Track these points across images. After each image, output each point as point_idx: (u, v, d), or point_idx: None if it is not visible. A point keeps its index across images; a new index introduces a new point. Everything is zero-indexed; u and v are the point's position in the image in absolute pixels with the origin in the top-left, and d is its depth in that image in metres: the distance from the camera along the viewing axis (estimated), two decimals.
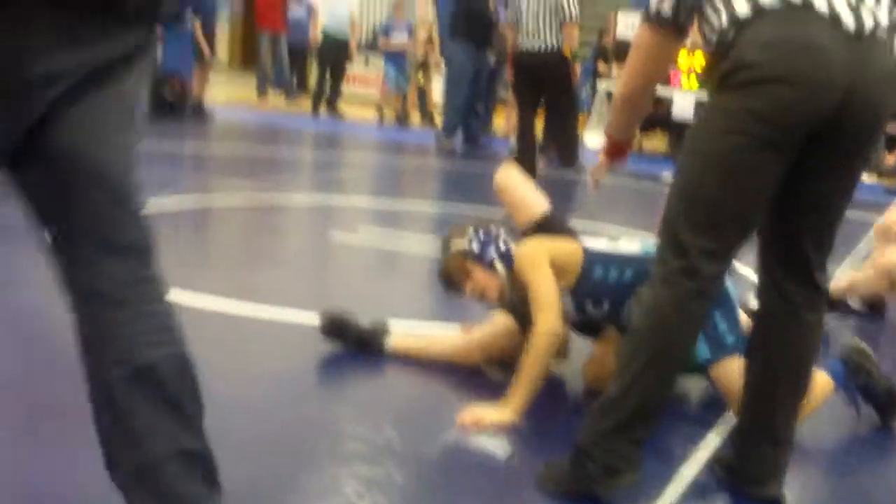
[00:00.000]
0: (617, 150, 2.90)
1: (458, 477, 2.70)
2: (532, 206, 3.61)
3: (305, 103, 15.14)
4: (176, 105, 12.01)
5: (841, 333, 4.03)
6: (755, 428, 2.57)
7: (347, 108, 14.65)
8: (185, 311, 3.89)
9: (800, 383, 2.56)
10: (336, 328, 3.64)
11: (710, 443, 3.00)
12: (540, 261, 3.16)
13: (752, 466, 2.58)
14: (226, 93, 15.84)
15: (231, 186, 7.45)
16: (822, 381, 3.14)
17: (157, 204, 6.30)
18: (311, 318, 3.79)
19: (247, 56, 21.03)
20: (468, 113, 11.22)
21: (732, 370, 3.05)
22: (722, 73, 2.26)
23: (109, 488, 1.83)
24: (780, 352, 2.51)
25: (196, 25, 12.18)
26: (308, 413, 3.08)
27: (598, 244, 3.35)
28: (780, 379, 2.52)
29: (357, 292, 4.63)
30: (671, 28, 2.41)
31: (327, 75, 14.48)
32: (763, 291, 2.54)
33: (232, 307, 4.06)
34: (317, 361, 3.56)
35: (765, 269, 2.53)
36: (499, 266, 3.40)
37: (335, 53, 14.26)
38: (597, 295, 3.28)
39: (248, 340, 3.77)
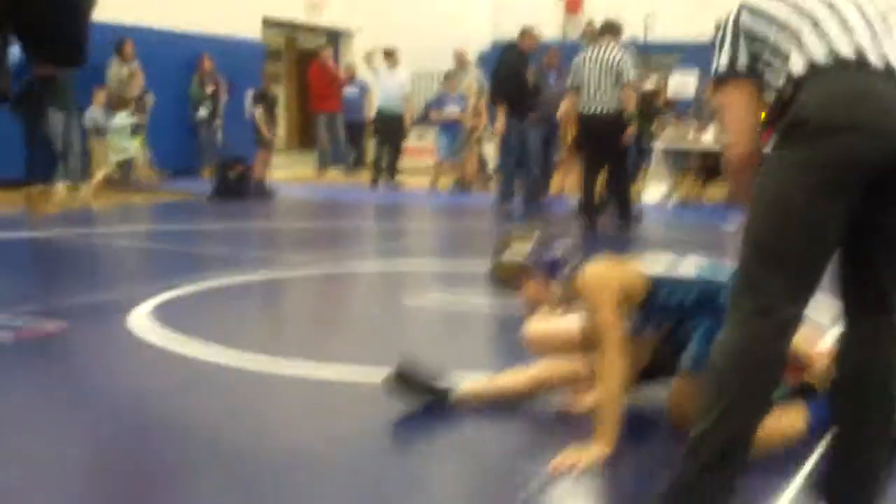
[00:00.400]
0: None
1: None
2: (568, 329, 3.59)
3: (364, 177, 15.45)
4: (240, 186, 12.36)
5: None
6: (848, 464, 2.59)
7: (405, 179, 14.93)
8: (266, 378, 4.07)
9: (890, 418, 2.60)
10: (403, 380, 3.66)
11: (792, 488, 3.02)
12: (610, 285, 3.24)
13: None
14: (286, 173, 16.22)
15: (299, 258, 7.65)
16: (794, 418, 3.19)
17: (230, 278, 6.51)
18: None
19: (304, 137, 21.50)
20: (522, 176, 11.50)
21: (690, 391, 3.13)
22: (786, 127, 2.40)
23: None
24: (866, 388, 2.55)
25: (257, 111, 12.58)
26: (398, 468, 3.19)
27: (659, 268, 3.42)
28: (869, 416, 2.56)
29: (428, 351, 4.74)
30: (752, 79, 2.55)
31: (384, 149, 14.84)
32: (845, 329, 2.61)
33: (311, 371, 4.19)
34: (398, 419, 3.67)
35: (845, 307, 2.59)
36: (556, 281, 3.42)
37: (391, 127, 14.65)
38: (658, 318, 3.37)
39: (330, 402, 3.89)
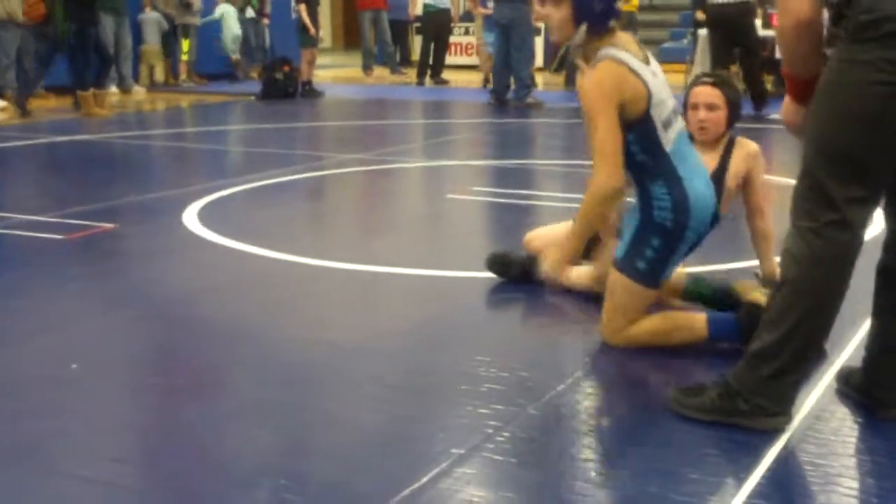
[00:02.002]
0: (806, 88, 2.54)
1: (583, 412, 2.91)
2: None
3: (410, 75, 15.43)
4: (288, 87, 12.45)
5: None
6: (887, 352, 2.68)
7: (452, 76, 14.88)
8: (315, 270, 4.21)
9: None
10: (500, 263, 3.97)
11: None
12: (609, 94, 3.05)
13: (883, 391, 2.70)
14: (332, 73, 16.25)
15: (346, 156, 7.76)
16: (697, 324, 3.24)
17: (280, 177, 6.65)
18: (439, 272, 4.04)
19: (349, 36, 21.42)
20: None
21: (620, 285, 3.21)
22: (856, 27, 2.32)
23: None
24: None
25: (301, 9, 12.57)
26: (442, 357, 3.34)
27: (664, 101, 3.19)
28: None
29: (473, 240, 4.87)
30: None
31: (430, 46, 14.76)
32: (889, 225, 2.65)
33: (358, 265, 4.33)
34: (449, 311, 3.81)
35: (888, 204, 2.62)
36: (584, 35, 3.12)
37: (437, 24, 14.55)
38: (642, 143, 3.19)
39: (381, 295, 4.03)
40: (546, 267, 3.25)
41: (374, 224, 5.56)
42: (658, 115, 3.13)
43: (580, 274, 3.75)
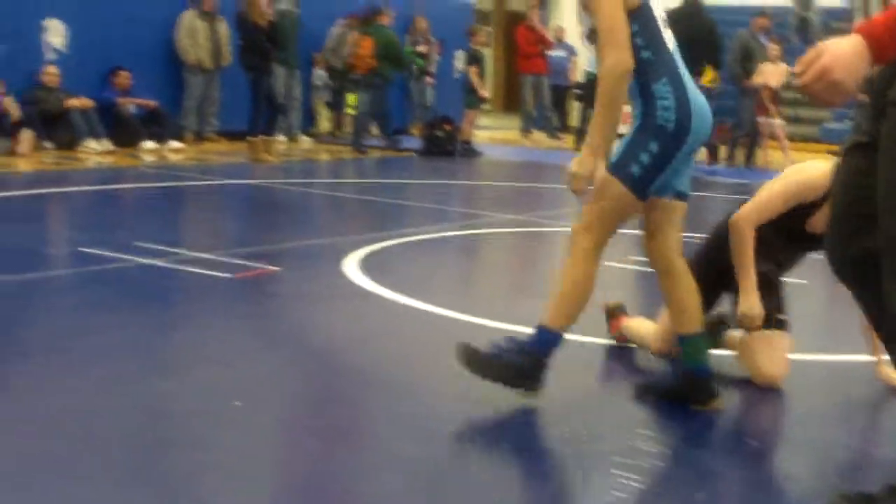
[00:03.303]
0: None
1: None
2: None
3: (567, 140, 15.47)
4: (447, 144, 12.67)
5: None
6: None
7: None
8: (471, 328, 4.21)
9: None
10: None
11: None
12: None
13: None
14: (490, 134, 16.44)
15: (502, 216, 7.81)
16: None
17: (436, 232, 6.73)
18: (593, 339, 4.00)
19: (509, 99, 21.66)
20: None
21: (610, 183, 3.09)
22: None
23: None
24: None
25: (472, 71, 12.83)
26: (595, 426, 3.29)
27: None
28: None
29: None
30: None
31: (589, 113, 14.80)
32: None
33: (515, 327, 4.32)
34: (601, 379, 3.76)
35: None
36: None
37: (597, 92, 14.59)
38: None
39: None
40: (573, 168, 3.09)
41: (530, 285, 5.55)
42: (656, 7, 3.10)
43: (648, 332, 3.68)
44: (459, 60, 14.03)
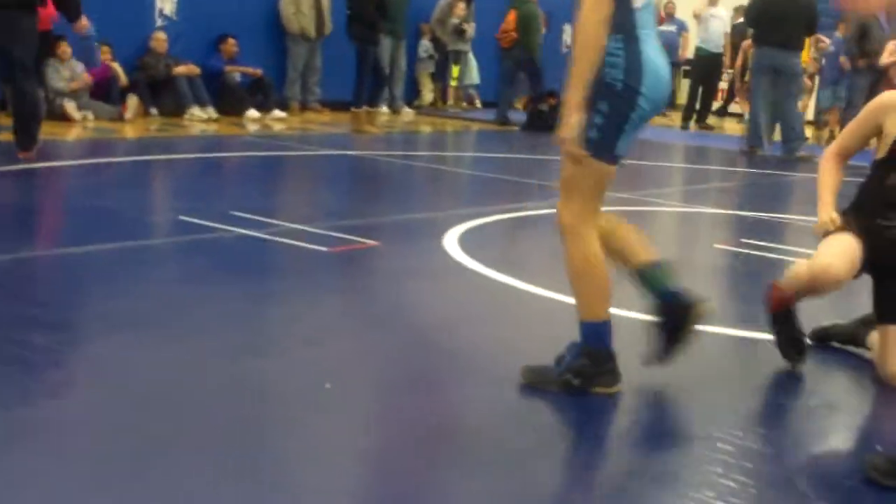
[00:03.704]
0: None
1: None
2: None
3: (674, 117, 15.07)
4: (552, 119, 12.41)
5: None
6: None
7: (718, 122, 14.42)
8: (572, 310, 4.03)
9: None
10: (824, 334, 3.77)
11: None
12: None
13: None
14: None
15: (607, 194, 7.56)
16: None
17: (538, 209, 6.55)
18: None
19: None
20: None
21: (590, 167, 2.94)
22: None
23: None
24: None
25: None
26: (689, 418, 3.09)
27: None
28: None
29: (746, 296, 4.56)
30: None
31: (699, 90, 14.40)
32: None
33: (623, 312, 4.11)
34: (707, 370, 3.55)
35: None
36: None
37: (707, 69, 14.19)
38: None
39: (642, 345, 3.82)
40: (561, 133, 2.89)
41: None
42: None
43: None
44: (567, 35, 13.75)
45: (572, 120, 2.87)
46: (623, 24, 2.88)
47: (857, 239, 3.35)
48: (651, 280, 3.19)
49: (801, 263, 3.47)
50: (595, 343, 3.04)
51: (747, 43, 12.79)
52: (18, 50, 6.86)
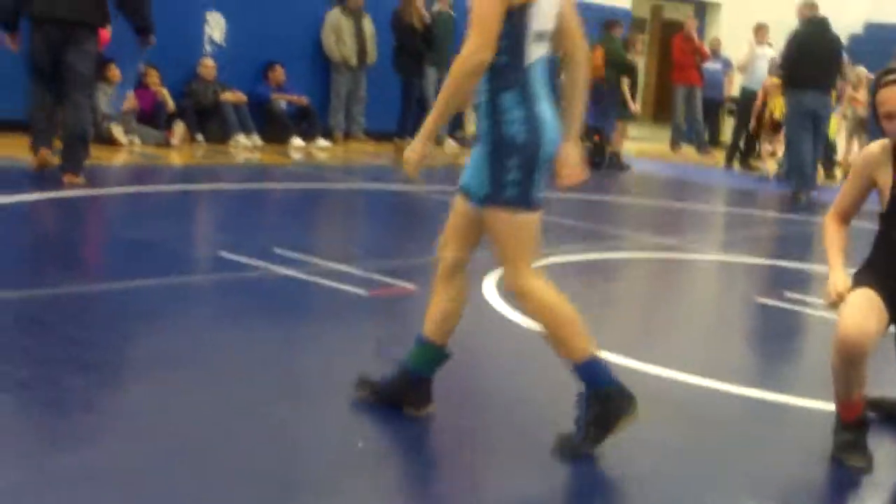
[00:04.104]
0: None
1: None
2: None
3: (718, 156, 14.96)
4: (595, 156, 12.38)
5: None
6: None
7: (762, 164, 14.28)
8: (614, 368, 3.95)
9: None
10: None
11: None
12: None
13: None
14: (639, 146, 16.05)
15: (649, 239, 7.51)
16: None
17: (578, 253, 6.50)
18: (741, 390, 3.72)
19: (659, 110, 21.17)
20: None
21: (501, 220, 3.01)
22: None
23: None
24: None
25: (623, 83, 12.54)
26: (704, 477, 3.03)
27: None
28: None
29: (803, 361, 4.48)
30: None
31: (742, 130, 14.29)
32: None
33: (666, 372, 4.06)
34: (743, 440, 3.49)
35: None
36: None
37: (753, 107, 14.06)
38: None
39: (684, 407, 3.76)
40: (406, 154, 3.04)
41: (671, 321, 5.27)
42: (534, 21, 2.96)
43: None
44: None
45: (423, 148, 3.03)
46: (517, 80, 2.98)
47: (876, 291, 3.24)
48: (422, 355, 3.27)
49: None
50: (594, 381, 3.05)
51: (769, 81, 12.70)
52: (82, 66, 7.04)
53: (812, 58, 10.49)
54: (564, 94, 3.16)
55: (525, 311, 3.08)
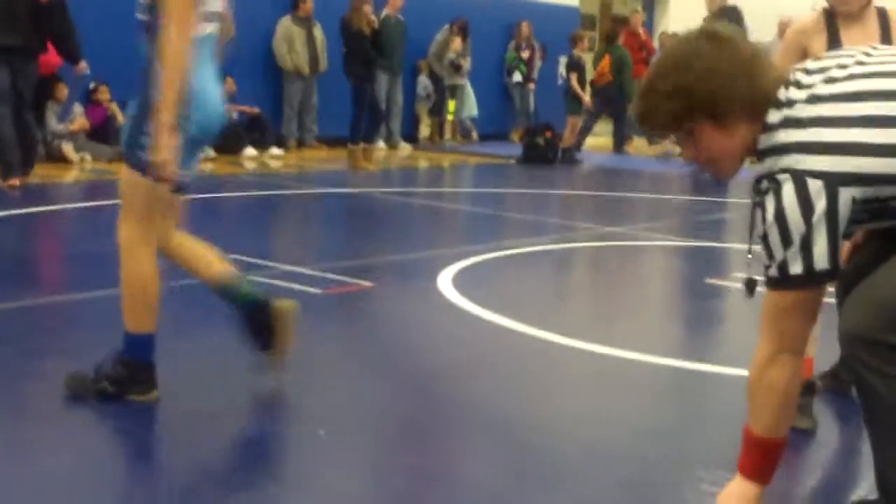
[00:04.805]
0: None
1: None
2: None
3: (668, 146, 15.13)
4: (548, 152, 12.51)
5: None
6: None
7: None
8: (569, 353, 4.08)
9: None
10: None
11: None
12: None
13: None
14: (591, 140, 16.21)
15: (601, 228, 7.61)
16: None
17: (532, 246, 6.58)
18: (695, 365, 3.80)
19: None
20: None
21: (125, 178, 3.13)
22: None
23: None
24: None
25: (573, 78, 12.69)
26: (664, 453, 3.11)
27: None
28: None
29: (737, 335, 4.59)
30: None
31: None
32: None
33: (614, 351, 4.15)
34: (703, 410, 3.57)
35: None
36: None
37: None
38: None
39: (640, 387, 3.84)
40: (154, 158, 2.98)
41: (628, 304, 5.37)
42: (203, 1, 3.05)
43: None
44: (563, 66, 13.90)
45: (169, 143, 2.96)
46: None
47: None
48: (229, 292, 3.39)
49: None
50: (135, 354, 3.21)
51: None
52: (25, 89, 7.93)
53: None
54: None
55: (121, 265, 3.21)
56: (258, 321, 3.40)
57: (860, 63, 2.20)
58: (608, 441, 3.14)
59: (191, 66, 3.01)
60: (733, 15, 11.11)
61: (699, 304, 5.37)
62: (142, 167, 3.06)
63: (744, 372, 3.79)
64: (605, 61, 13.95)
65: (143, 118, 3.05)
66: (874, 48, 2.28)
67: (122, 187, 3.20)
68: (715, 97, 2.16)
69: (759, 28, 15.08)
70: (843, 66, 2.19)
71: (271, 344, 3.41)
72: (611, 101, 13.88)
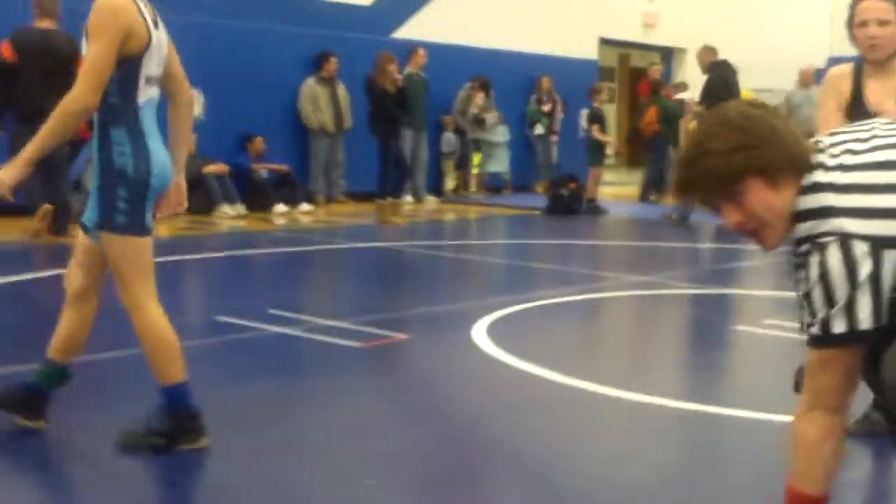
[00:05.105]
0: None
1: None
2: None
3: None
4: (572, 203, 12.64)
5: None
6: None
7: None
8: (603, 401, 4.15)
9: None
10: None
11: None
12: (120, 22, 3.18)
13: None
14: (615, 191, 16.34)
15: (628, 278, 7.70)
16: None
17: (562, 296, 6.68)
18: (725, 410, 3.88)
19: (633, 154, 21.51)
20: None
21: (114, 243, 3.28)
22: None
23: None
24: None
25: (595, 129, 12.88)
26: (696, 495, 3.18)
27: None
28: None
29: (766, 383, 4.65)
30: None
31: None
32: None
33: (648, 398, 4.23)
34: (729, 456, 3.64)
35: None
36: None
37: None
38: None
39: (670, 432, 3.92)
40: (1, 175, 3.20)
41: (659, 353, 5.45)
42: (145, 67, 3.27)
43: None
44: (584, 118, 14.11)
45: (18, 172, 3.19)
46: (126, 118, 3.28)
47: None
48: (52, 372, 3.56)
49: None
50: (177, 405, 3.36)
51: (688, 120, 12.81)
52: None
53: (736, 89, 11.17)
54: (171, 133, 3.53)
55: (134, 326, 3.37)
56: (26, 395, 3.57)
57: (878, 136, 2.29)
58: (642, 484, 3.22)
59: (143, 128, 3.28)
60: (728, 69, 11.32)
61: (727, 352, 5.45)
62: (122, 229, 3.29)
63: (772, 417, 3.87)
64: (652, 111, 14.24)
65: (111, 184, 3.28)
66: (886, 123, 2.37)
67: (110, 257, 3.36)
68: (771, 153, 2.19)
69: (751, 77, 15.26)
70: (862, 140, 2.29)
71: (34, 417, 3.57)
72: (662, 150, 14.13)
